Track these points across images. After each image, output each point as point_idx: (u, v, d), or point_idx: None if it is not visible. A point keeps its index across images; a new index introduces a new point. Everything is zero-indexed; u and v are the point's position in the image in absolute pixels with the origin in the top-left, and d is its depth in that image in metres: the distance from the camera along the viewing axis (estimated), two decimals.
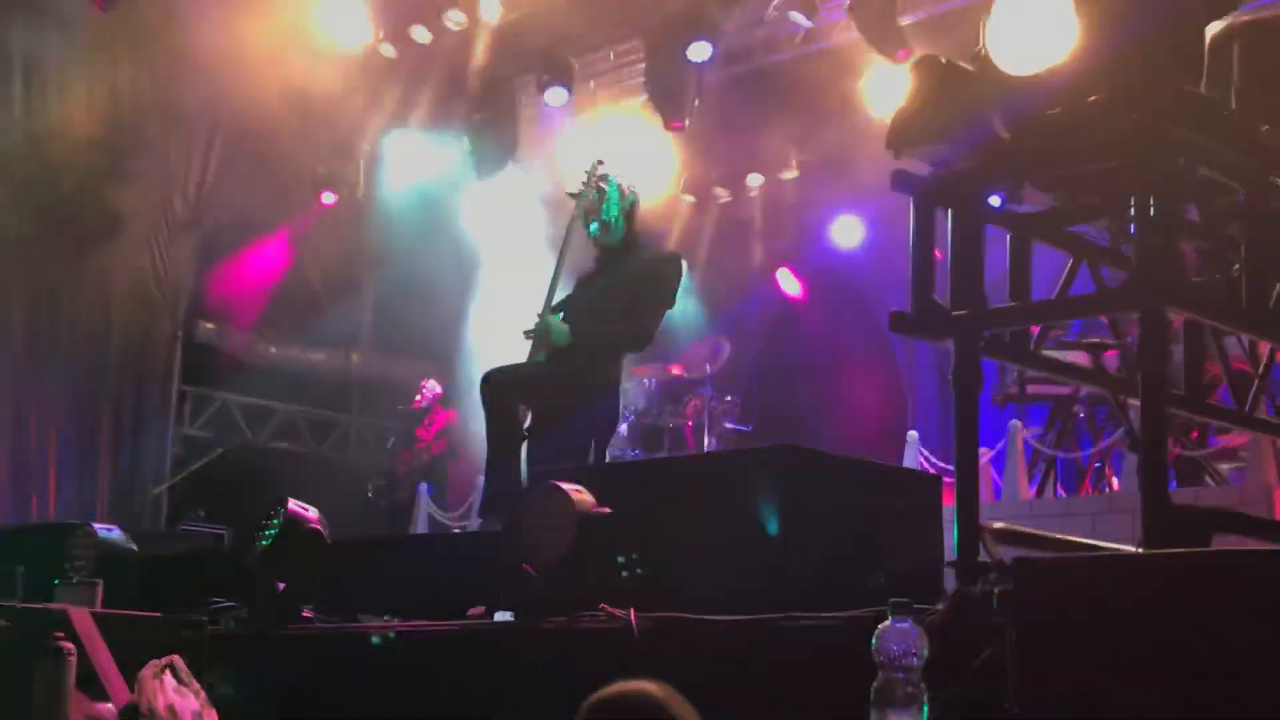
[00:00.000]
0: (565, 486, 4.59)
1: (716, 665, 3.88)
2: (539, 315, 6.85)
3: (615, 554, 4.51)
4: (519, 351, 6.92)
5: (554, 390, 6.69)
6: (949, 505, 4.23)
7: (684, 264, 7.21)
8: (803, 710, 3.52)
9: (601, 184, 7.04)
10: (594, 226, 7.00)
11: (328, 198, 15.56)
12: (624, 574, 4.51)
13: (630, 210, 7.02)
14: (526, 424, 6.79)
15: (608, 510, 4.52)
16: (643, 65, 14.15)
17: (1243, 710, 2.21)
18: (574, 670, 3.25)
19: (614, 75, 14.83)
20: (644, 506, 4.65)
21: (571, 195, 7.16)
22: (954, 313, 3.97)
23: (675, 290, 6.91)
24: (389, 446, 14.44)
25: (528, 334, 6.82)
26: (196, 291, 14.70)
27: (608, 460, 7.20)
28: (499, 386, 6.75)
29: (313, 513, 5.58)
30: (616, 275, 6.93)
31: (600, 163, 7.13)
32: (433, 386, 13.63)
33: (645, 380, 12.37)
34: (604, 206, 6.95)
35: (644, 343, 6.99)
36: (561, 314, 6.93)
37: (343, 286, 15.41)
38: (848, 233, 15.13)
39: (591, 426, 6.70)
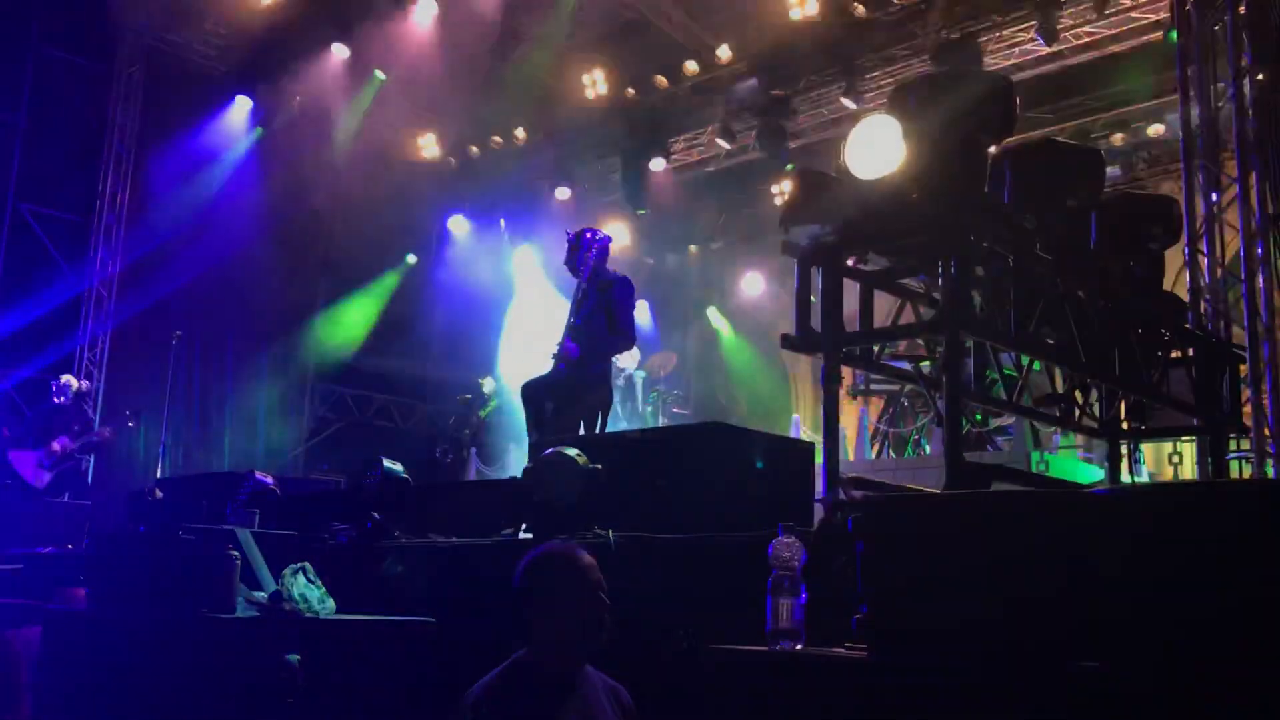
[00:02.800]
0: (571, 451, 4.56)
1: (665, 565, 3.88)
2: (558, 343, 6.78)
3: (602, 495, 4.47)
4: (539, 359, 6.87)
5: (566, 386, 6.63)
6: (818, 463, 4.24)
7: (631, 281, 6.94)
8: (725, 595, 3.52)
9: (573, 238, 6.92)
10: (570, 267, 6.93)
11: (410, 259, 15.47)
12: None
13: (598, 254, 6.84)
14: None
15: (599, 466, 4.50)
16: (619, 172, 14.17)
17: (1004, 590, 2.22)
18: None
19: (601, 179, 14.83)
20: (621, 464, 4.63)
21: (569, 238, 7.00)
22: (823, 335, 3.98)
23: (633, 300, 6.81)
24: (450, 423, 14.37)
25: (554, 356, 6.74)
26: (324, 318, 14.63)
27: (609, 429, 7.07)
28: (532, 389, 6.70)
29: (399, 466, 5.55)
30: (593, 298, 6.77)
31: (585, 229, 7.03)
32: (487, 383, 13.59)
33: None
34: (577, 255, 6.84)
35: (629, 345, 6.93)
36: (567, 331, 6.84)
37: (420, 317, 15.33)
38: (753, 284, 15.16)
39: (596, 405, 6.62)
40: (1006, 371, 4.78)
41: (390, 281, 15.15)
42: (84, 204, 12.48)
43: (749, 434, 5.08)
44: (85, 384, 10.63)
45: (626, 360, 11.28)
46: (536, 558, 2.96)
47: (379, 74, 13.11)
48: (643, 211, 14.10)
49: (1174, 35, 8.39)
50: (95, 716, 3.89)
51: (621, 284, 6.83)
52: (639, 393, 12.25)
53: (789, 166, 12.16)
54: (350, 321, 14.71)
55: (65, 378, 10.23)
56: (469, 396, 13.38)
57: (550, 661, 2.85)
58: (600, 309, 6.72)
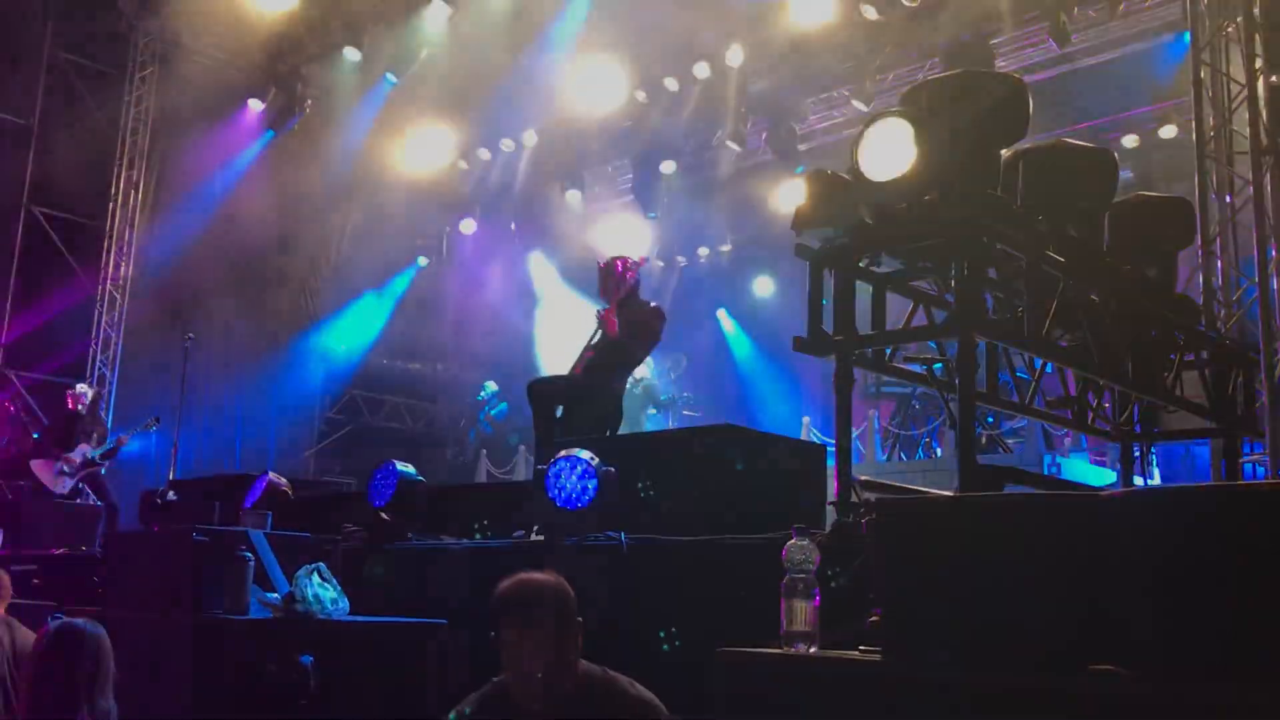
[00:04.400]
0: (585, 454, 4.55)
1: (678, 569, 3.88)
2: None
3: (620, 498, 4.47)
4: (556, 364, 6.77)
5: (574, 393, 6.57)
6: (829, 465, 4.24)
7: (663, 310, 6.71)
8: (737, 599, 3.51)
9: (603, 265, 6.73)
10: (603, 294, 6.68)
11: (421, 261, 15.52)
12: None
13: (633, 283, 6.60)
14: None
15: (612, 469, 4.49)
16: (630, 176, 14.18)
17: (1018, 593, 2.21)
18: (585, 572, 3.22)
19: (611, 182, 14.85)
20: (636, 466, 4.64)
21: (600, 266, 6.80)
22: (835, 338, 3.98)
23: (658, 329, 6.57)
24: (461, 425, 14.40)
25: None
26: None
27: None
28: (540, 389, 6.60)
29: (411, 468, 5.54)
30: (621, 321, 6.52)
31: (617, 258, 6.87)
32: (490, 386, 13.61)
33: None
34: (610, 283, 6.61)
35: (634, 365, 6.75)
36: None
37: (431, 320, 15.37)
38: (763, 286, 15.16)
39: (601, 417, 6.35)
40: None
41: (400, 284, 15.21)
42: (97, 207, 12.54)
43: (760, 436, 5.08)
44: (97, 390, 10.68)
45: (640, 370, 11.28)
46: (507, 587, 2.78)
47: (390, 77, 13.14)
48: (653, 215, 14.12)
49: (1187, 36, 8.37)
50: None
51: (655, 312, 6.64)
52: (656, 397, 12.25)
53: (798, 170, 12.16)
54: (361, 324, 14.77)
55: (80, 386, 10.28)
56: (482, 399, 13.43)
57: (516, 694, 2.73)
58: (623, 329, 6.45)
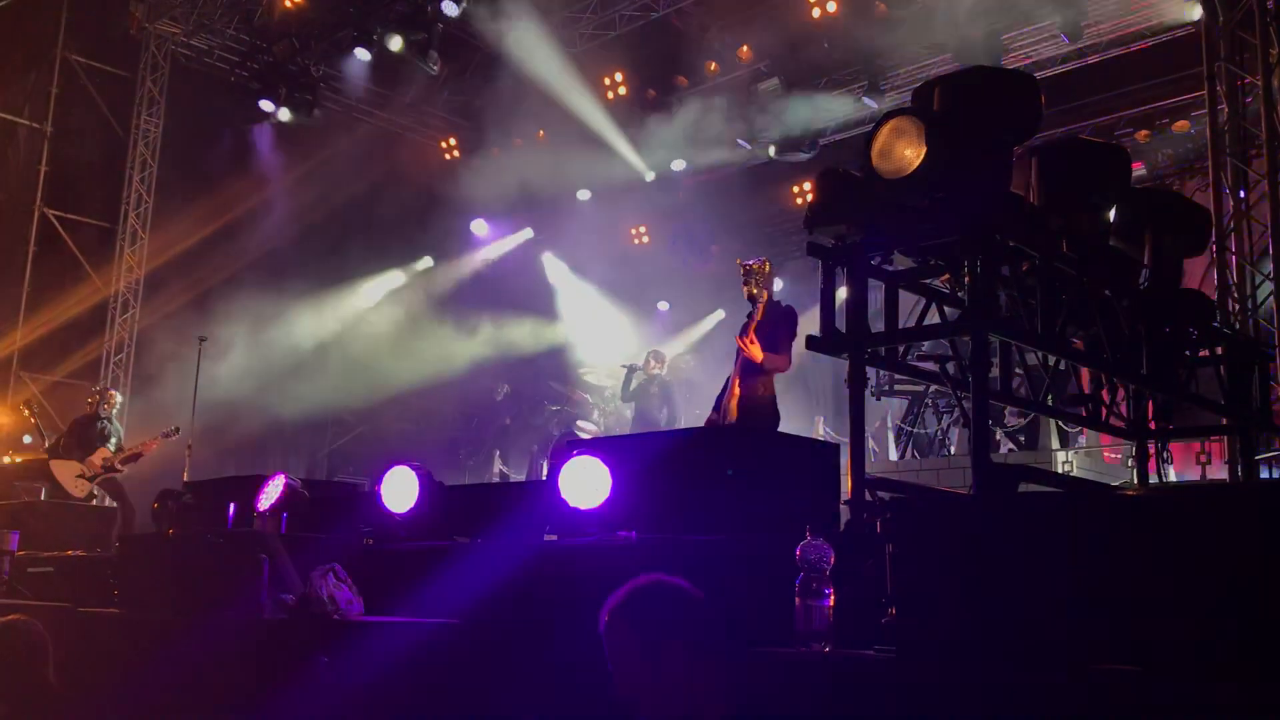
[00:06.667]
0: (596, 455, 4.52)
1: (690, 568, 3.87)
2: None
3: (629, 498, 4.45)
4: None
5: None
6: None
7: (794, 311, 6.66)
8: (753, 597, 3.51)
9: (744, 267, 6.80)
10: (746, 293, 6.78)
11: (431, 261, 15.52)
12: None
13: (762, 281, 6.67)
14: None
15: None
16: (641, 174, 14.16)
17: (1034, 592, 2.20)
18: (600, 571, 3.21)
19: (623, 180, 14.81)
20: (649, 465, 4.63)
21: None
22: (848, 336, 3.98)
23: (792, 326, 6.55)
24: (473, 425, 14.38)
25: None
26: None
27: None
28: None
29: (423, 468, 5.54)
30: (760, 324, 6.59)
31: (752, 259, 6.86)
32: (504, 388, 13.62)
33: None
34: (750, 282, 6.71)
35: (782, 367, 6.60)
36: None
37: (442, 319, 15.36)
38: (775, 284, 15.10)
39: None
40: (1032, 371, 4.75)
41: (412, 284, 15.23)
42: (109, 209, 12.61)
43: (775, 435, 5.07)
44: (120, 397, 10.70)
45: (654, 366, 11.26)
46: (627, 599, 2.37)
47: (401, 77, 13.17)
48: (655, 171, 14.05)
49: (1194, 14, 8.32)
50: (124, 717, 3.93)
51: (784, 313, 6.65)
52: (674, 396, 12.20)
53: (809, 166, 12.13)
54: (372, 323, 14.79)
55: (107, 389, 10.31)
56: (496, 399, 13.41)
57: None
58: (761, 332, 6.52)
